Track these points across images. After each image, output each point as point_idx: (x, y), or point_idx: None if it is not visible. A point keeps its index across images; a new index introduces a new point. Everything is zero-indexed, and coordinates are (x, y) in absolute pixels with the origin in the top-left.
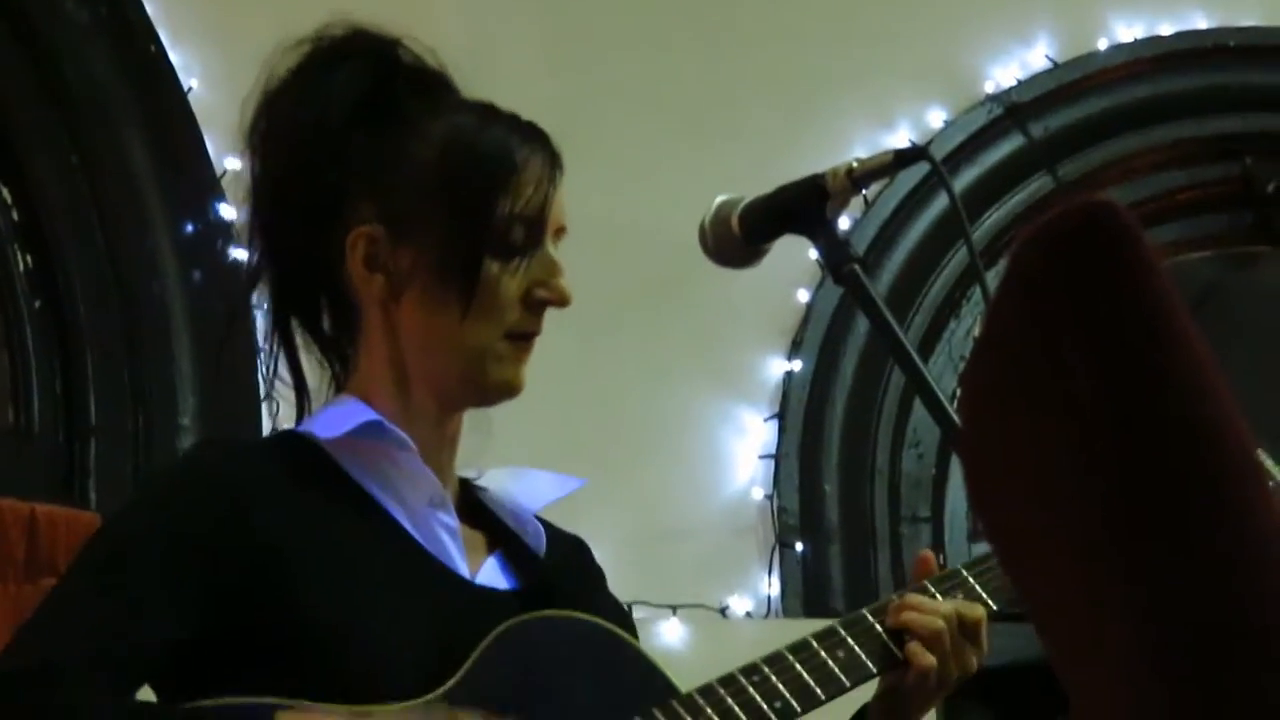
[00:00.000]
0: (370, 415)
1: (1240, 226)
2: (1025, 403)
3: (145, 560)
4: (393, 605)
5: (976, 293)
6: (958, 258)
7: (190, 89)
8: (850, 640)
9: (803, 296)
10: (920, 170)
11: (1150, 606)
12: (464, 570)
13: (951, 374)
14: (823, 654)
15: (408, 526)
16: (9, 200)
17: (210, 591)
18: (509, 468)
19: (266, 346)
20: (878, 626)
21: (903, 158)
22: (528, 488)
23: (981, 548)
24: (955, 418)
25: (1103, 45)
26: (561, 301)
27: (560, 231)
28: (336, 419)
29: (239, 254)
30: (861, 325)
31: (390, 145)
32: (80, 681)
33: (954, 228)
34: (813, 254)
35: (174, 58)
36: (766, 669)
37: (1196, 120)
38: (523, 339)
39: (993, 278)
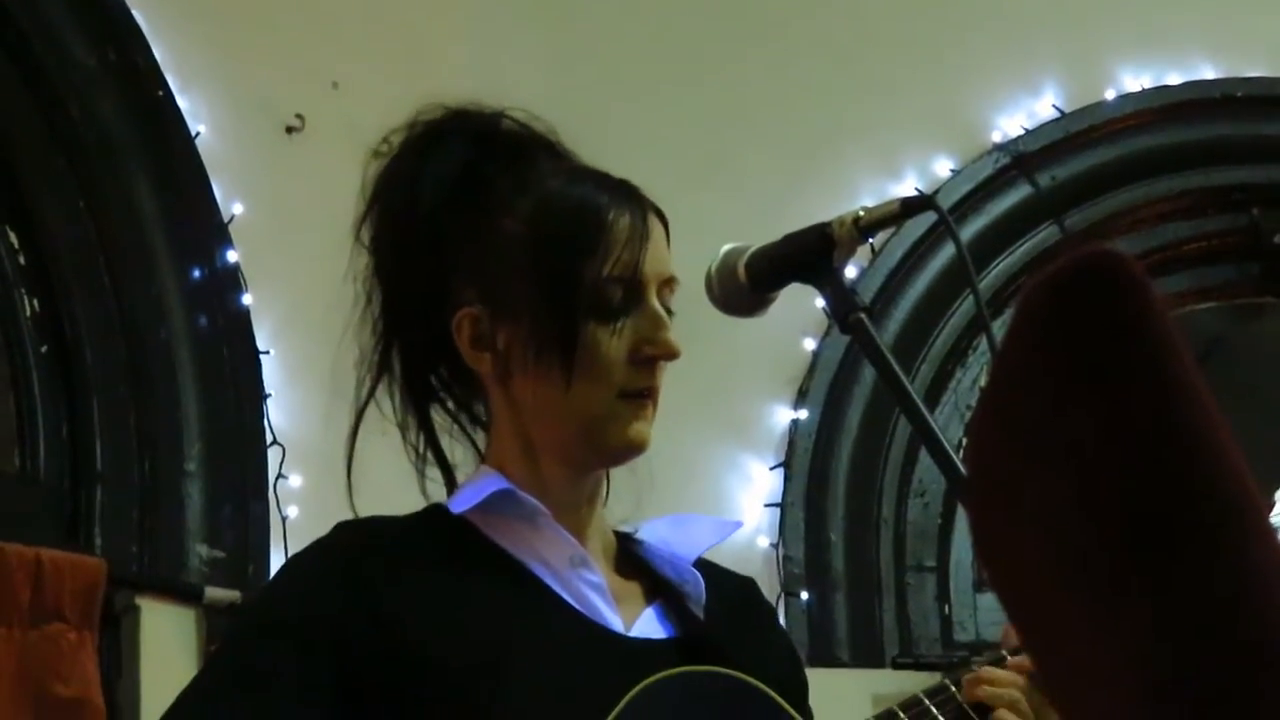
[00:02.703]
0: (502, 484)
1: (1247, 277)
2: (1030, 452)
3: (278, 652)
4: (539, 662)
5: (983, 342)
6: (964, 307)
7: (198, 134)
8: (934, 710)
9: (809, 345)
10: (927, 219)
11: (1154, 657)
12: (616, 625)
13: (958, 423)
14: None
15: (555, 587)
16: (16, 244)
17: (345, 676)
18: (668, 516)
19: (415, 438)
20: (959, 697)
21: (910, 206)
22: (685, 536)
23: (986, 598)
24: (961, 467)
25: (1110, 95)
26: (668, 355)
27: (670, 283)
28: (472, 492)
29: (246, 299)
30: (868, 374)
31: (484, 224)
32: None
33: (960, 277)
34: (819, 303)
35: (181, 103)
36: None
37: (1204, 171)
38: (638, 396)
39: (999, 327)
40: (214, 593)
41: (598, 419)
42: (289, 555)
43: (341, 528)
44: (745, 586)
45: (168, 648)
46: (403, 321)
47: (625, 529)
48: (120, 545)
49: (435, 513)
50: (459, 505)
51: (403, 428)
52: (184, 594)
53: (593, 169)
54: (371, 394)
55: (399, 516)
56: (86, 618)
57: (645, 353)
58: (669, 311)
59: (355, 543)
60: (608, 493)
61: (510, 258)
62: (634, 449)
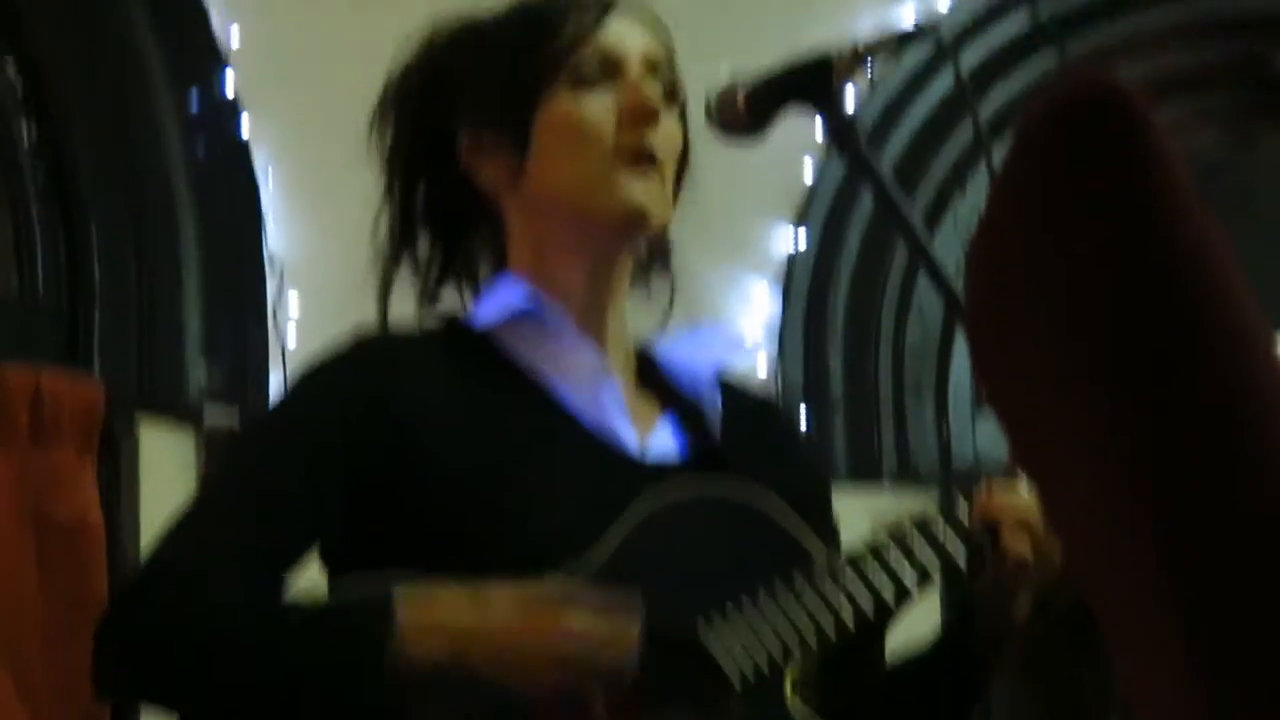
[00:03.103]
0: (524, 293)
1: (1247, 104)
2: (1029, 277)
3: (289, 455)
4: (546, 478)
5: (982, 168)
6: (964, 134)
7: None
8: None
9: (809, 168)
10: (927, 46)
11: (1155, 483)
12: (632, 441)
13: (957, 249)
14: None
15: (572, 401)
16: (15, 70)
17: (355, 479)
18: (688, 330)
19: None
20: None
21: (910, 34)
22: (702, 350)
23: (985, 417)
24: (959, 293)
25: None
26: (642, 108)
27: (654, 69)
28: (493, 303)
29: (245, 124)
30: (867, 197)
31: (465, 60)
32: (224, 580)
33: (960, 103)
34: (819, 127)
35: None
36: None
37: None
38: (633, 159)
39: (999, 153)
40: (213, 415)
41: (591, 180)
42: (288, 376)
43: (358, 340)
44: (764, 408)
45: (167, 470)
46: (416, 163)
47: (645, 341)
48: (119, 367)
49: (453, 326)
50: (483, 316)
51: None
52: (183, 416)
53: None
54: (401, 245)
55: (416, 330)
56: (86, 440)
57: (623, 111)
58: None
59: (371, 356)
60: None
61: (474, 69)
62: (638, 213)
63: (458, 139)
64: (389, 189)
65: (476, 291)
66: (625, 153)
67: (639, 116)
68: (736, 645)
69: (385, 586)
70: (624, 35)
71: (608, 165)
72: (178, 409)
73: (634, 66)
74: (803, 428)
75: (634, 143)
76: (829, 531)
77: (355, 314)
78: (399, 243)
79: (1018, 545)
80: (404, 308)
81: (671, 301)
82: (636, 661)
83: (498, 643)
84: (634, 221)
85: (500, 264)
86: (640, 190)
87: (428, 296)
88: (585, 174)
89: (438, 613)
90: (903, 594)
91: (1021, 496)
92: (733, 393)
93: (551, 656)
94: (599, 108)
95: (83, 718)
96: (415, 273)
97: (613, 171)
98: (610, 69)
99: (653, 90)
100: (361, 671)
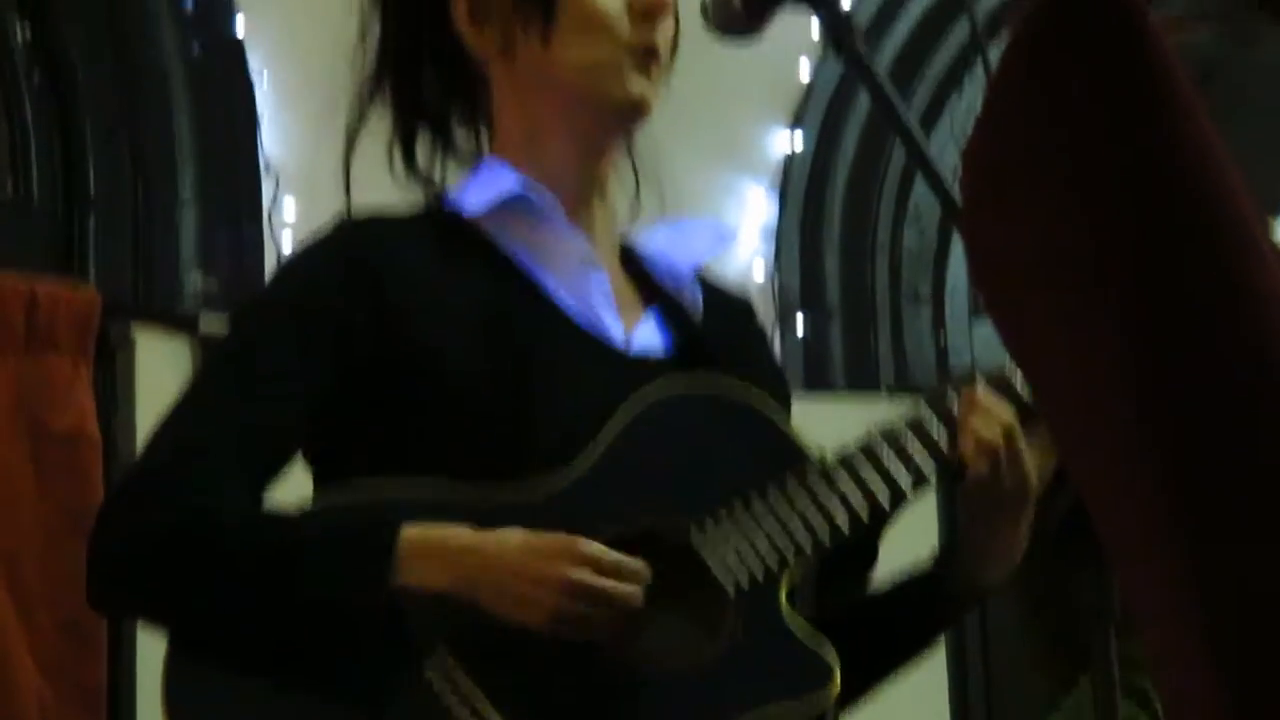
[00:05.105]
0: (512, 180)
1: (1243, 1)
2: (1029, 175)
3: (279, 342)
4: (535, 369)
5: (979, 67)
6: (960, 31)
7: None
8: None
9: (805, 69)
10: None
11: (1155, 374)
12: (617, 333)
13: (953, 149)
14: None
15: (558, 291)
16: None
17: (345, 362)
18: (671, 222)
19: (396, 138)
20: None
21: None
22: (684, 244)
23: (982, 325)
24: (956, 195)
25: None
26: (659, 5)
27: None
28: (480, 187)
29: (239, 25)
30: (863, 100)
31: None
32: (216, 478)
33: (956, 1)
34: (815, 26)
35: None
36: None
37: None
38: (642, 55)
39: (995, 52)
40: (209, 321)
41: (601, 67)
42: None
43: (343, 224)
44: (742, 306)
45: (163, 378)
46: (404, 25)
47: (629, 232)
48: (115, 273)
49: (439, 211)
50: (471, 203)
51: (395, 130)
52: (179, 323)
53: None
54: (372, 93)
55: (401, 214)
56: (82, 349)
57: (640, 4)
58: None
59: (357, 239)
60: None
61: None
62: (637, 107)
63: None
64: (365, 34)
65: (449, 156)
66: (636, 47)
67: (652, 10)
68: (730, 552)
69: (380, 495)
70: None
71: (619, 57)
72: (174, 316)
73: None
74: (799, 335)
75: (644, 38)
76: None
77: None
78: (370, 94)
79: (987, 432)
80: (382, 196)
81: (638, 192)
82: (640, 601)
83: (502, 573)
84: (635, 113)
85: (477, 133)
86: (644, 85)
87: (403, 159)
88: (597, 60)
89: (442, 539)
90: (897, 494)
91: (1003, 415)
92: (712, 289)
93: (555, 589)
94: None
95: (79, 626)
96: (394, 133)
97: (622, 63)
98: None
99: None
100: (365, 586)
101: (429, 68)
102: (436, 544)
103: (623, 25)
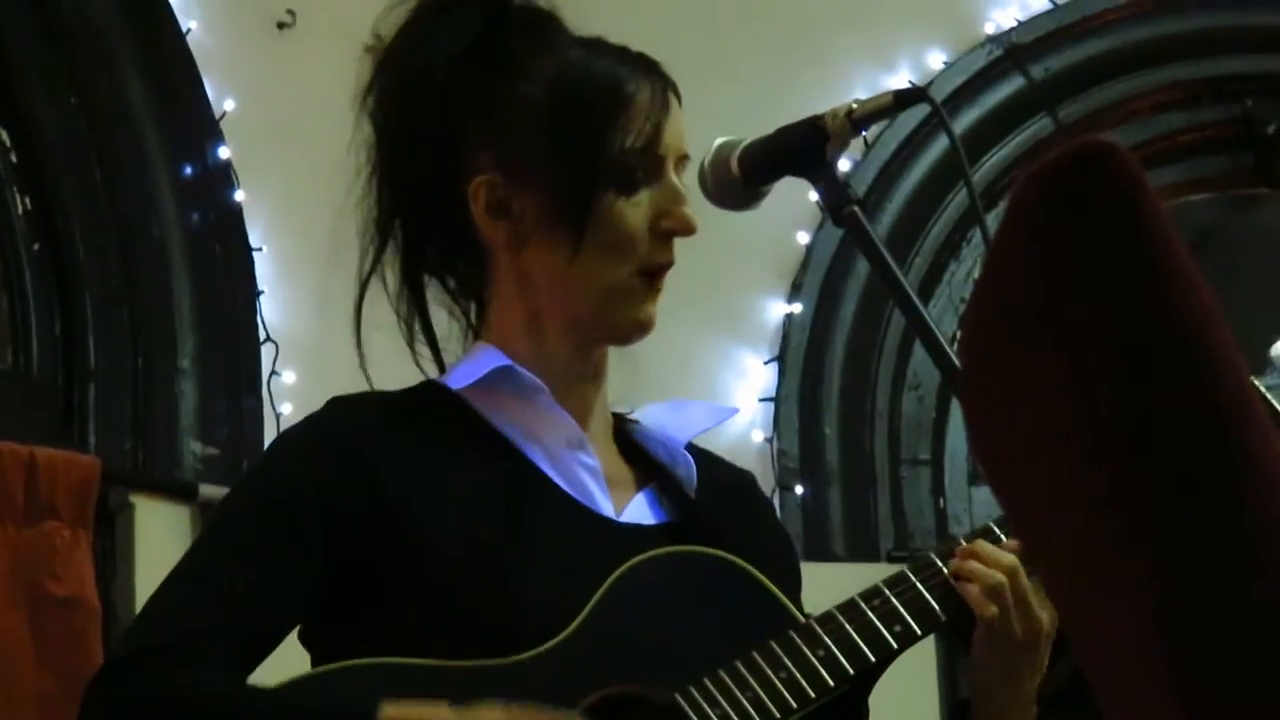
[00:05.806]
0: (501, 360)
1: (1241, 168)
2: (1024, 343)
3: (269, 527)
4: (526, 547)
5: (977, 235)
6: (958, 200)
7: (189, 30)
8: (921, 586)
9: (803, 238)
10: (920, 112)
11: (1153, 552)
12: (607, 509)
13: (952, 316)
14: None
15: (547, 469)
16: (8, 142)
17: (336, 551)
18: (668, 401)
19: (401, 305)
20: (945, 571)
21: (902, 99)
22: (681, 420)
23: (981, 491)
24: (955, 360)
25: None
26: (686, 230)
27: (683, 160)
28: (470, 367)
29: (238, 196)
30: (862, 267)
31: (501, 90)
32: (200, 661)
33: (954, 169)
34: (813, 196)
35: None
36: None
37: (1197, 61)
38: (654, 274)
39: (993, 219)
40: (208, 490)
41: (615, 293)
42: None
43: (334, 403)
44: (743, 479)
45: (162, 545)
46: (411, 189)
47: (622, 410)
48: (114, 442)
49: (430, 388)
50: (457, 381)
51: (399, 300)
52: (178, 491)
53: (612, 43)
54: (377, 260)
55: (393, 392)
56: (81, 516)
57: (664, 226)
58: None
59: (348, 417)
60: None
61: (530, 124)
62: (643, 329)
63: (463, 168)
64: (374, 197)
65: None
66: (651, 268)
67: (678, 233)
68: (718, 714)
69: (367, 682)
70: (671, 134)
71: (634, 280)
72: (173, 485)
73: (672, 164)
74: (799, 502)
75: (662, 257)
76: (800, 610)
77: (352, 387)
78: (376, 258)
79: (986, 607)
80: (387, 370)
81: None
82: None
83: None
84: (638, 335)
85: (473, 300)
86: (651, 309)
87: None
88: (614, 283)
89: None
90: (884, 649)
91: (1001, 559)
92: (710, 463)
93: None
94: (640, 216)
95: None
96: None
97: (636, 287)
98: (652, 168)
99: (685, 195)
100: None
101: (438, 237)
102: None
103: (644, 245)
